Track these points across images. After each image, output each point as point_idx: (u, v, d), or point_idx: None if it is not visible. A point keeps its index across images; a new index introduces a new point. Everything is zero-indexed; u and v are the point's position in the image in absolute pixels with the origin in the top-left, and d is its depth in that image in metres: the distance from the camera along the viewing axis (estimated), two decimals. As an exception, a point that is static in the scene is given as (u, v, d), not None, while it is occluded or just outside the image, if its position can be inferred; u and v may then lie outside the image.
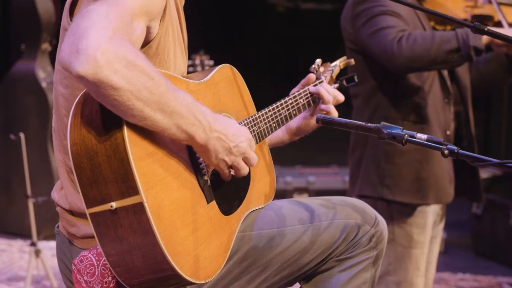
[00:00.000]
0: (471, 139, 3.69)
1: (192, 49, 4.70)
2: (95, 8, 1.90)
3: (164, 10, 2.13)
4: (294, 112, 2.61)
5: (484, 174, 6.19)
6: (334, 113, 2.67)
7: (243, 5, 7.76)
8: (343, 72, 2.97)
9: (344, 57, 3.00)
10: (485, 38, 3.40)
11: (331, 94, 2.69)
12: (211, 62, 4.71)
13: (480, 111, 7.01)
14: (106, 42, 1.82)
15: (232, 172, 2.24)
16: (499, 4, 3.59)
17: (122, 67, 1.83)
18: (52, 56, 6.17)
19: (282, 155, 6.22)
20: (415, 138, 2.15)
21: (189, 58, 4.73)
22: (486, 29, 2.17)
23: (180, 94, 2.00)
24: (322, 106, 2.67)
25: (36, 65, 6.12)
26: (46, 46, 6.14)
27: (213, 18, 7.58)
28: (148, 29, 2.09)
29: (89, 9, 1.90)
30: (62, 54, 1.84)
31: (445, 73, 3.62)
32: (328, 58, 2.93)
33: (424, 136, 2.14)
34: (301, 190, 5.95)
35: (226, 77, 2.42)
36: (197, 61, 4.73)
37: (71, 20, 2.12)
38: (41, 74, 6.09)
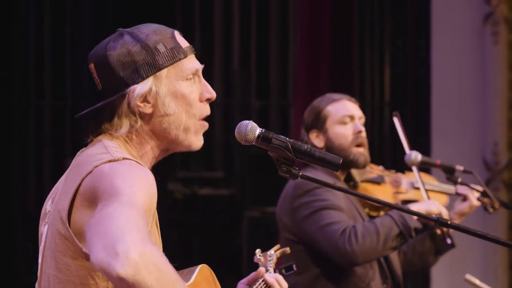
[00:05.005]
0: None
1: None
2: (116, 210, 1.93)
3: None
4: None
5: None
6: None
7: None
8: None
9: (278, 246, 3.05)
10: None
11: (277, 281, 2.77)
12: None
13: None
14: (141, 245, 1.85)
15: None
16: (426, 190, 3.77)
17: (155, 269, 1.86)
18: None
19: None
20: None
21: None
22: (449, 222, 2.26)
23: None
24: None
25: None
26: None
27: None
28: None
29: (111, 211, 1.92)
30: (98, 256, 1.85)
31: (382, 259, 3.72)
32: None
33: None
34: None
35: (205, 277, 2.46)
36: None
37: (69, 226, 2.11)
38: None
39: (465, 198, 3.84)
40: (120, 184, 2.01)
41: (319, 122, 3.75)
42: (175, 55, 2.24)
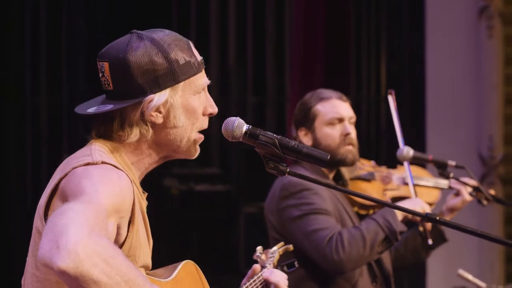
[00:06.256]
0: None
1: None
2: (70, 206, 1.93)
3: (133, 210, 2.15)
4: None
5: None
6: None
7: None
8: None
9: (282, 243, 3.06)
10: (400, 215, 3.52)
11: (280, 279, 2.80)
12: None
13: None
14: (85, 237, 1.84)
15: None
16: (415, 185, 3.76)
17: (101, 261, 1.85)
18: None
19: None
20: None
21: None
22: (437, 218, 2.26)
23: None
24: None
25: None
26: None
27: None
28: (118, 230, 2.10)
29: (64, 208, 1.92)
30: (41, 251, 1.85)
31: (372, 258, 3.70)
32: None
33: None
34: None
35: (190, 272, 2.45)
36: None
37: (45, 222, 2.11)
38: None
39: (457, 193, 3.83)
40: (85, 185, 2.03)
41: (308, 121, 3.71)
42: (193, 69, 2.26)
